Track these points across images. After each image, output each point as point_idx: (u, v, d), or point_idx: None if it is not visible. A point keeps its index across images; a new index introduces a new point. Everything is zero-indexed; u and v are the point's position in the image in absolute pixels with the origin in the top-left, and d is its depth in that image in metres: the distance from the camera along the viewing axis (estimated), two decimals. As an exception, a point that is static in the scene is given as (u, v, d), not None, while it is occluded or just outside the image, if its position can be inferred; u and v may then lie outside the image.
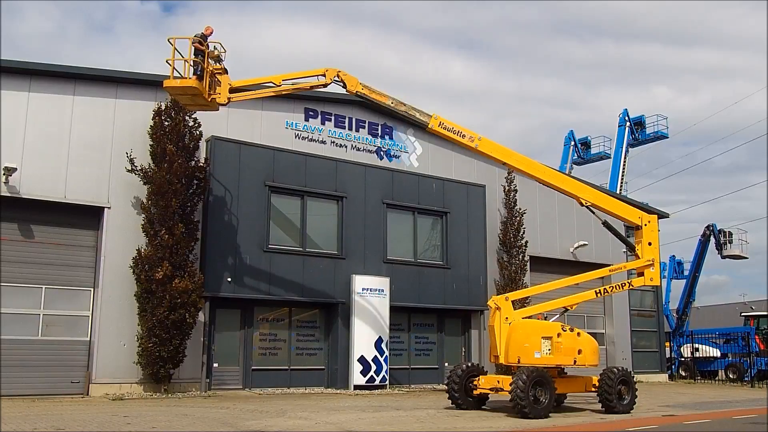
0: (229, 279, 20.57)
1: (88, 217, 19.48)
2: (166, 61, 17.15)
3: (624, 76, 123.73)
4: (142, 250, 18.99)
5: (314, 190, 22.78)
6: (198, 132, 20.29)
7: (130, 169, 19.37)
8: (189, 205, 19.69)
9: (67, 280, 19.08)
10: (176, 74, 17.19)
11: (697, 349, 35.05)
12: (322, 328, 23.05)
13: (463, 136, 18.48)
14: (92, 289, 19.30)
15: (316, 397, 19.98)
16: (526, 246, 27.15)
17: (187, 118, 20.02)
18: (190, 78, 17.08)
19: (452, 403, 17.20)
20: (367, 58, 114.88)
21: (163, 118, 19.81)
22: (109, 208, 19.48)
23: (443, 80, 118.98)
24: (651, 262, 18.13)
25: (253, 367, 21.38)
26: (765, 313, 36.80)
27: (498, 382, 16.55)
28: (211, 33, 17.67)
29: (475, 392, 17.11)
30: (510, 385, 15.48)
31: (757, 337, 34.00)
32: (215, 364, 20.66)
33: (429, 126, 18.59)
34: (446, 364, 25.45)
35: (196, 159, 20.19)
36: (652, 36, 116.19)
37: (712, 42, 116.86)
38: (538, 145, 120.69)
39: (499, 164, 22.84)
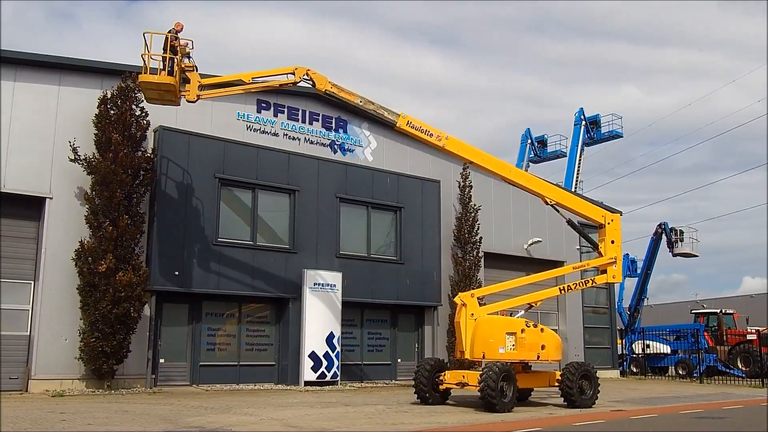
0: (177, 273, 20.07)
1: (29, 207, 18.82)
2: (141, 56, 17.48)
3: (594, 74, 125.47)
4: (85, 242, 18.40)
5: (266, 183, 22.38)
6: (145, 122, 19.75)
7: (73, 158, 18.76)
8: (135, 197, 19.15)
9: (6, 272, 18.34)
10: (146, 67, 17.33)
11: (648, 346, 35.50)
12: (273, 324, 22.68)
13: (431, 135, 18.54)
14: (32, 282, 18.64)
15: (265, 393, 19.63)
16: (480, 242, 27.11)
17: (134, 107, 19.48)
18: (162, 74, 17.44)
19: (418, 398, 17.19)
20: (343, 52, 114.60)
21: (108, 106, 19.23)
22: (50, 198, 18.86)
23: (418, 76, 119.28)
24: (614, 260, 18.37)
25: (200, 363, 20.92)
26: (714, 310, 37.46)
27: (464, 377, 16.72)
28: (182, 29, 17.96)
29: (440, 387, 17.22)
30: (480, 380, 15.55)
31: (706, 333, 34.57)
32: (161, 360, 20.16)
33: (397, 125, 18.68)
34: (399, 361, 25.33)
35: (143, 149, 19.65)
36: (622, 35, 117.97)
37: (681, 42, 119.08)
38: (511, 142, 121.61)
39: (456, 159, 22.88)
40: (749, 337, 32.79)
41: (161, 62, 17.62)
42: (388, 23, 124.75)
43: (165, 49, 17.61)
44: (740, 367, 32.45)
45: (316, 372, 21.69)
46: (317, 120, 24.44)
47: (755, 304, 55.91)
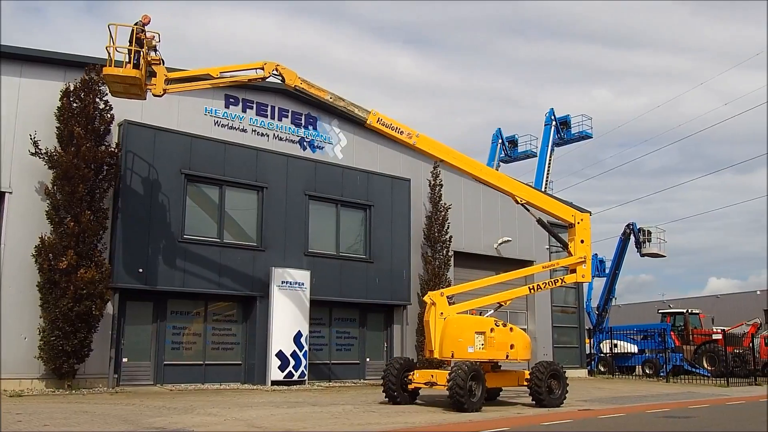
0: (141, 270, 19.67)
1: (-13, 202, 18.30)
2: (106, 48, 17.08)
3: (566, 76, 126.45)
4: (46, 238, 17.92)
5: (233, 180, 22.04)
6: (109, 115, 19.29)
7: (34, 152, 18.26)
8: (98, 192, 18.71)
9: (-37, 269, 17.84)
10: (111, 60, 16.93)
11: (615, 345, 35.74)
12: (239, 322, 22.34)
13: (402, 132, 18.38)
14: (-10, 279, 18.11)
15: (231, 393, 19.30)
16: (450, 241, 27.01)
17: (97, 100, 19.05)
18: (128, 66, 17.09)
19: (387, 398, 17.01)
20: (316, 51, 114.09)
21: (71, 99, 18.77)
22: (10, 192, 18.38)
23: (391, 75, 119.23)
24: (583, 260, 18.36)
25: (165, 362, 20.51)
26: (681, 310, 37.87)
27: (432, 376, 16.61)
28: (149, 22, 17.66)
29: (409, 386, 17.09)
30: (448, 379, 15.45)
31: (672, 333, 34.93)
32: (124, 359, 19.72)
33: (367, 122, 18.47)
34: (368, 360, 25.14)
35: (106, 143, 19.22)
36: (593, 38, 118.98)
37: (652, 45, 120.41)
38: (483, 142, 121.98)
39: (426, 158, 22.77)
40: (715, 336, 33.18)
41: (127, 55, 17.26)
42: (362, 22, 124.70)
43: (131, 42, 17.26)
44: (706, 366, 32.82)
45: (283, 371, 21.41)
46: (287, 116, 24.15)
47: (721, 305, 56.83)
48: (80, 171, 18.11)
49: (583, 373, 33.20)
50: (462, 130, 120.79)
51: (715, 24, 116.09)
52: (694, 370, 32.22)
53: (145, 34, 17.46)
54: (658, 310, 40.46)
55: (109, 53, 17.15)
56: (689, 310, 37.36)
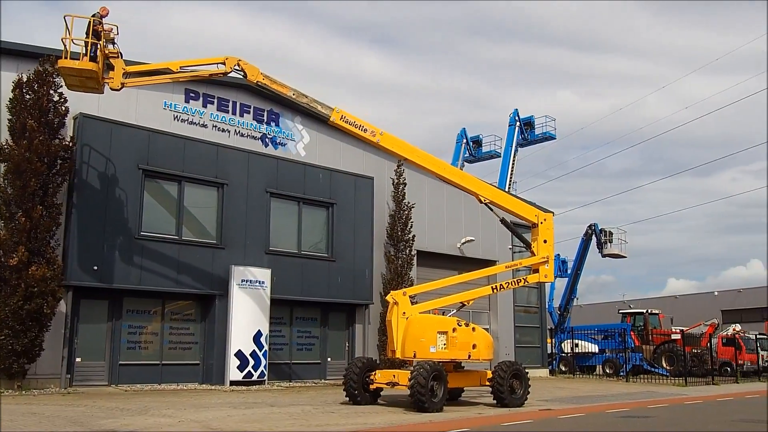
0: (96, 267, 19.15)
1: (-66, 196, 17.63)
2: (62, 40, 16.64)
3: (531, 78, 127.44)
4: (-4, 234, 17.34)
5: (193, 176, 21.60)
6: (64, 108, 18.76)
7: (-17, 145, 17.68)
8: (51, 187, 18.15)
9: None
10: (67, 52, 16.59)
11: (577, 345, 35.96)
12: (198, 321, 21.90)
13: (365, 130, 18.20)
14: (-63, 276, 17.46)
15: (188, 393, 18.89)
16: (413, 240, 26.86)
17: (51, 92, 18.50)
18: (84, 59, 16.72)
19: (348, 399, 16.82)
20: (283, 49, 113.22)
21: (24, 90, 18.20)
22: (-42, 186, 17.74)
23: (357, 74, 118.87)
24: (546, 259, 18.35)
25: (120, 362, 20.02)
26: (641, 310, 38.28)
27: (394, 376, 16.46)
28: (107, 14, 17.26)
29: (371, 387, 16.93)
30: (409, 378, 15.32)
31: (632, 333, 35.26)
32: (78, 359, 19.21)
33: (330, 119, 18.24)
34: (329, 360, 24.87)
35: (60, 137, 18.67)
36: (558, 41, 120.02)
37: (616, 49, 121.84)
38: (449, 143, 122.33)
39: (390, 156, 22.58)
40: (674, 336, 33.57)
41: (84, 47, 16.84)
42: (328, 21, 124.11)
43: (88, 34, 16.81)
44: (665, 366, 33.19)
45: (242, 371, 21.04)
46: (248, 112, 23.77)
47: (680, 305, 57.74)
48: (32, 165, 17.57)
49: (544, 372, 33.34)
50: (427, 131, 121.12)
51: (677, 29, 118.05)
52: (653, 369, 32.53)
53: (102, 26, 17.09)
54: (619, 310, 40.87)
55: (65, 45, 16.80)
56: (649, 311, 37.82)
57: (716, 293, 62.21)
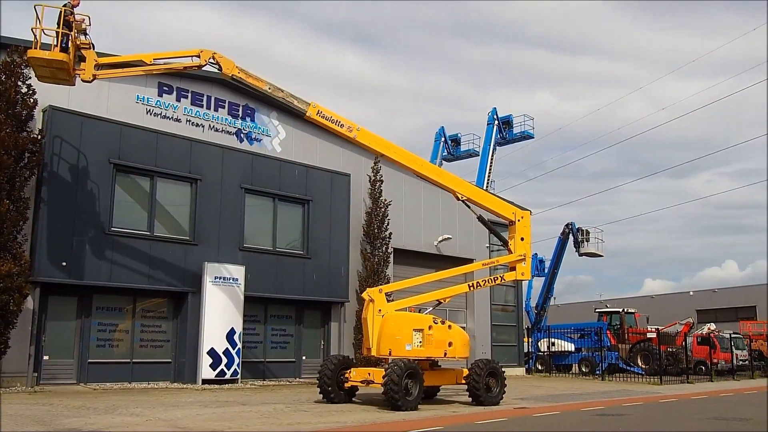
0: (65, 263, 18.75)
1: None
2: (32, 30, 16.23)
3: (510, 79, 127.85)
4: (-40, 228, 16.89)
5: (166, 171, 21.25)
6: (32, 100, 18.34)
7: (-52, 137, 17.20)
8: (18, 180, 17.73)
9: None
10: (37, 42, 16.19)
11: (553, 344, 35.99)
12: (170, 319, 21.55)
13: (342, 125, 17.97)
14: None
15: (159, 392, 18.56)
16: (390, 238, 26.67)
17: (20, 83, 18.09)
18: (55, 50, 16.30)
19: (323, 397, 16.61)
20: (263, 47, 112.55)
21: (-9, 82, 17.75)
22: None
23: (338, 73, 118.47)
24: (523, 257, 18.24)
25: (89, 360, 19.61)
26: (617, 309, 38.40)
27: (369, 374, 16.25)
28: (78, 3, 16.87)
29: (346, 385, 16.72)
30: (383, 377, 15.15)
31: (608, 332, 35.35)
32: (45, 357, 18.79)
33: (307, 114, 17.98)
34: (304, 358, 24.61)
35: (29, 129, 18.26)
36: (538, 42, 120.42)
37: (594, 51, 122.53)
38: (428, 142, 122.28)
39: (367, 153, 22.36)
40: (649, 335, 33.65)
41: (54, 38, 16.45)
42: (309, 20, 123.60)
43: (59, 24, 16.40)
44: (640, 364, 33.30)
45: (215, 370, 20.73)
46: (223, 107, 23.44)
47: (655, 305, 58.13)
48: (-1, 158, 17.14)
49: (521, 371, 33.31)
50: (406, 130, 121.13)
51: (655, 31, 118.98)
52: (629, 368, 32.61)
53: (74, 16, 16.72)
54: (595, 309, 40.98)
55: (35, 35, 16.42)
56: (625, 310, 37.98)
57: (691, 293, 62.70)
